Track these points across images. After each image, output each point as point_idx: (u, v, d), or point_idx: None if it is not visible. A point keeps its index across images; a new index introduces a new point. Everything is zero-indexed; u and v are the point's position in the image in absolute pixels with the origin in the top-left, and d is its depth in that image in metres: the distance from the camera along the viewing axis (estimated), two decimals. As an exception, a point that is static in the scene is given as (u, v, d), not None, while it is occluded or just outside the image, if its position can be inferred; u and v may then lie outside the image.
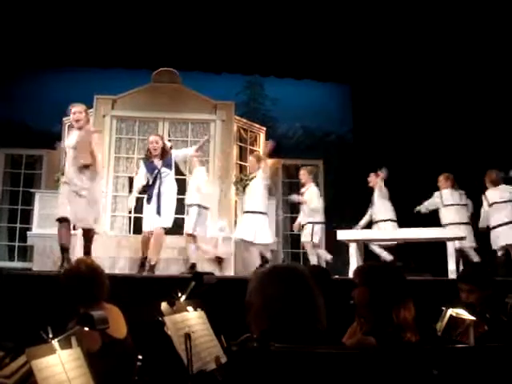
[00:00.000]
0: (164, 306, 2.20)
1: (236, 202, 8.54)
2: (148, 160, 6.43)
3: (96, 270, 2.80)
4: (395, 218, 7.60)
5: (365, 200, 7.97)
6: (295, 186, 7.98)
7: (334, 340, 1.74)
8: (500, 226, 6.77)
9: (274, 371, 1.35)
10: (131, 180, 8.35)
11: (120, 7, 8.11)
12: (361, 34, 8.58)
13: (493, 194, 6.94)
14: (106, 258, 6.85)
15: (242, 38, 8.74)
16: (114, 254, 7.36)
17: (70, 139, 5.72)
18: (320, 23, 8.44)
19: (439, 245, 6.56)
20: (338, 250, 8.11)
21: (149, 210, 6.28)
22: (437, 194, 7.43)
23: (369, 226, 7.83)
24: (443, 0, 7.84)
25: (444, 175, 7.46)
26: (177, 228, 7.34)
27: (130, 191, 8.42)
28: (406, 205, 7.67)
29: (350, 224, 7.90)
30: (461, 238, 6.49)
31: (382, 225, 7.59)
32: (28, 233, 8.02)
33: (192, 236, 7.00)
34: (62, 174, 6.66)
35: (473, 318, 2.52)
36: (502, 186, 6.93)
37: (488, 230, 6.92)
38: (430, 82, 8.92)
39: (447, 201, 7.32)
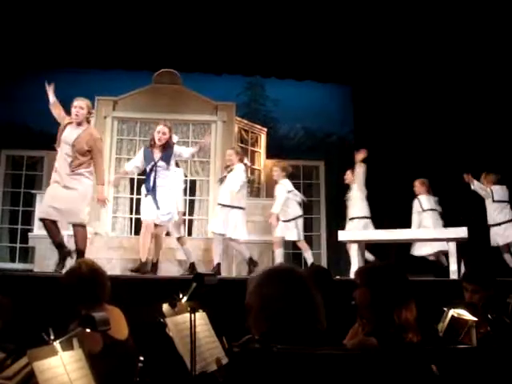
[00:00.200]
0: (165, 307, 2.20)
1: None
2: (148, 148, 6.32)
3: (97, 271, 2.80)
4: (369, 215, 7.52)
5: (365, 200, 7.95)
6: (296, 187, 7.95)
7: (334, 340, 1.73)
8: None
9: (275, 373, 1.35)
10: (132, 181, 8.36)
11: (121, 9, 8.12)
12: (362, 36, 8.57)
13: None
14: (107, 259, 6.85)
15: (242, 39, 8.73)
16: (115, 255, 7.36)
17: (70, 135, 5.45)
18: (321, 24, 8.43)
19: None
20: (340, 250, 8.11)
21: (147, 201, 6.19)
22: (416, 201, 7.44)
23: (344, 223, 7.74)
24: (444, 2, 7.85)
25: (419, 180, 7.46)
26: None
27: (131, 192, 8.45)
28: (405, 205, 7.67)
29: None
30: (462, 239, 6.47)
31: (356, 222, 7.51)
32: (29, 234, 8.01)
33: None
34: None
35: (475, 318, 2.51)
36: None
37: None
38: (430, 83, 8.91)
39: (425, 206, 7.34)
